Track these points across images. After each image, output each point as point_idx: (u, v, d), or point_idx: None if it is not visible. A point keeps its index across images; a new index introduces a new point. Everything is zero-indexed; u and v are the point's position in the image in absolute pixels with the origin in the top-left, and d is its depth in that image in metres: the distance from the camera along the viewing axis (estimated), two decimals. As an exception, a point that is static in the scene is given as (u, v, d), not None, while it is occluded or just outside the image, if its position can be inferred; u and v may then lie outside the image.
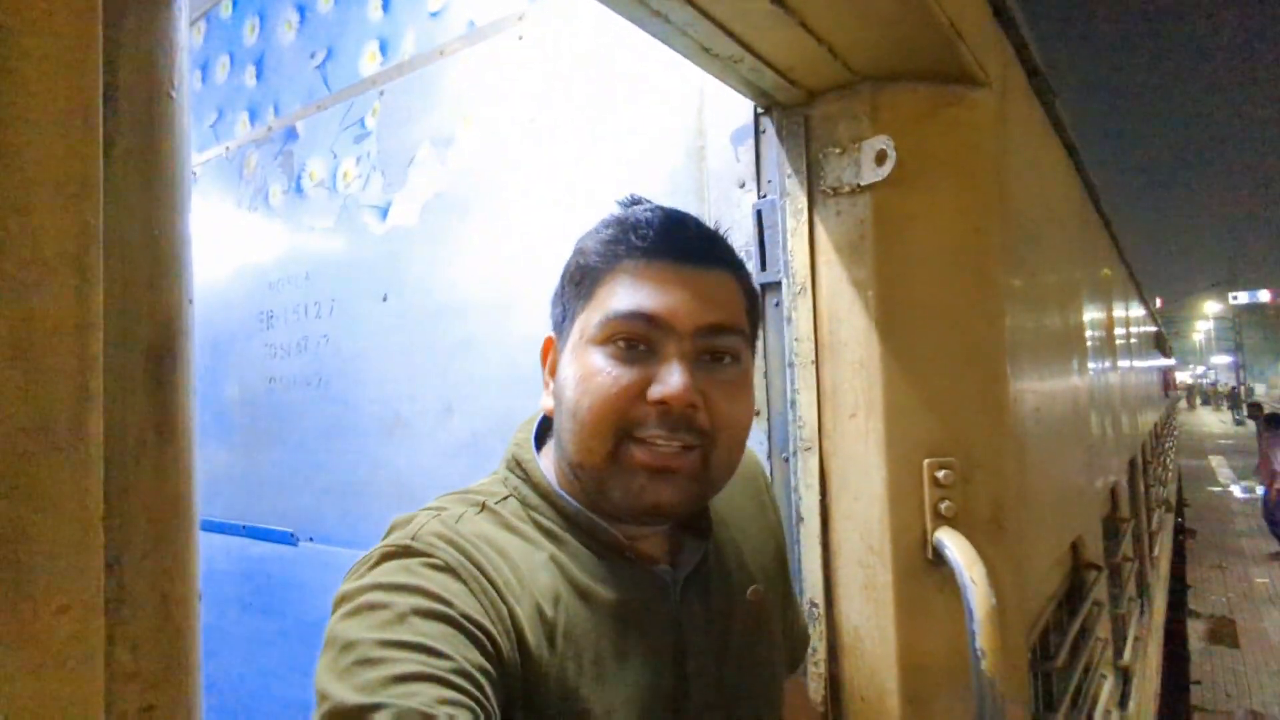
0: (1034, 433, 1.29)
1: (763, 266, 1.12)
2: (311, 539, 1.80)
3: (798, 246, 1.07)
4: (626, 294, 0.66)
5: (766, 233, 1.12)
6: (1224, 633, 7.42)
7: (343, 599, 0.58)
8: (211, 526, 2.08)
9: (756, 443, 1.12)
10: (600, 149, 1.33)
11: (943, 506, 0.98)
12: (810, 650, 1.03)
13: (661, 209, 0.71)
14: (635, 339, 0.65)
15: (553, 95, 1.40)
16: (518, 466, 0.73)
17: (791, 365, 1.07)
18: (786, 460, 1.09)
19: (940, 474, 0.98)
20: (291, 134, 1.96)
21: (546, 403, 0.73)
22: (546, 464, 0.73)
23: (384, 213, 1.69)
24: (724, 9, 0.83)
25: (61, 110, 0.30)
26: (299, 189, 1.93)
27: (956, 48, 0.99)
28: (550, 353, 0.75)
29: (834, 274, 1.04)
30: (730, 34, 0.88)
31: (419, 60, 1.65)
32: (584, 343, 0.67)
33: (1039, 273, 1.46)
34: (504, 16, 1.49)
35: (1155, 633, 3.64)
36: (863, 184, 1.01)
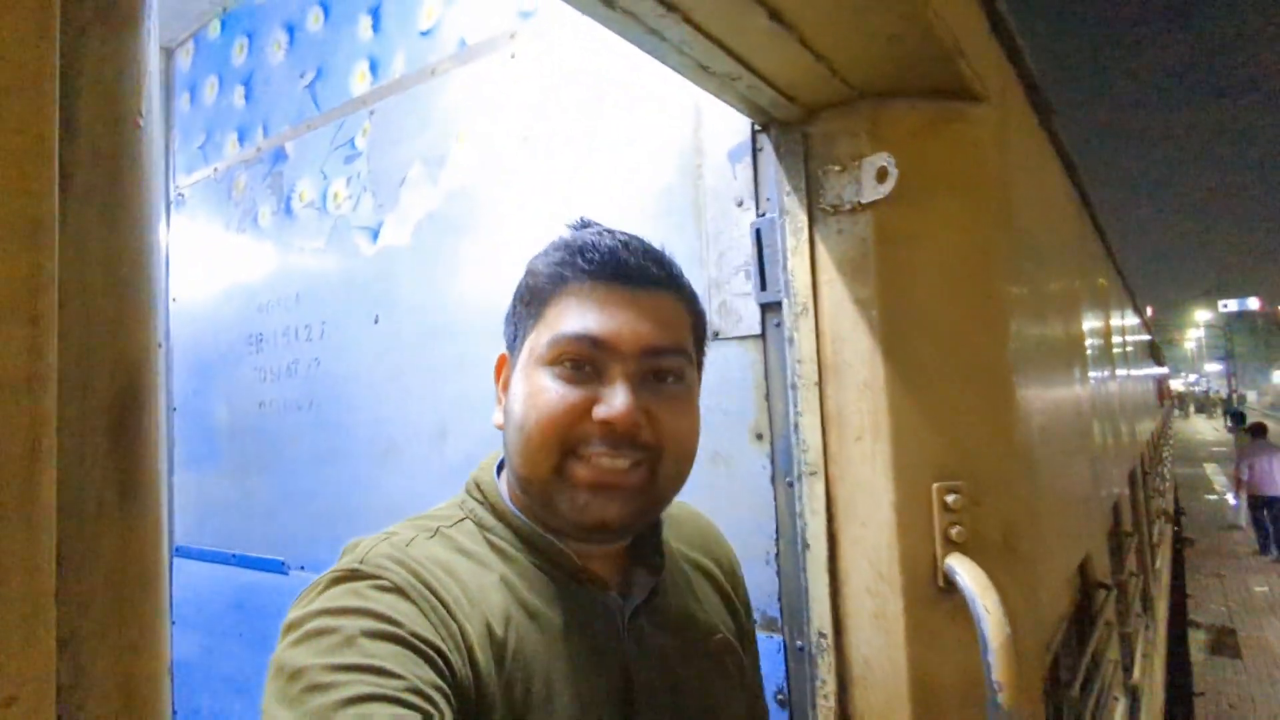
0: (1041, 451, 1.26)
1: (763, 286, 1.10)
2: (303, 567, 1.76)
3: (798, 265, 1.05)
4: (573, 316, 0.68)
5: (766, 251, 1.09)
6: (1225, 643, 7.38)
7: (289, 627, 0.58)
8: (200, 555, 2.03)
9: (759, 467, 1.10)
10: (595, 167, 1.31)
11: (953, 532, 0.95)
12: (819, 682, 1.00)
13: (610, 232, 0.73)
14: (581, 360, 0.67)
15: (546, 114, 1.38)
16: (476, 488, 0.75)
17: (794, 387, 1.05)
18: (791, 485, 1.06)
19: (950, 498, 0.96)
20: (281, 155, 1.94)
21: (497, 418, 0.75)
22: (509, 484, 0.74)
23: (375, 233, 1.67)
24: (722, 26, 0.81)
25: (13, 145, 0.27)
26: (288, 210, 1.90)
27: (957, 64, 0.97)
28: (503, 370, 0.76)
29: (836, 293, 1.02)
30: (728, 51, 0.86)
31: (410, 79, 1.63)
32: (533, 362, 0.69)
33: (1041, 287, 1.44)
34: (496, 35, 1.47)
35: (1159, 647, 3.61)
36: (864, 202, 0.99)
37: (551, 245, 0.74)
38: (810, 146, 1.05)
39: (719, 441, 1.14)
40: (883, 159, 0.97)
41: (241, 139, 2.08)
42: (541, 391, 0.67)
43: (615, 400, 0.65)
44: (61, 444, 0.29)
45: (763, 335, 1.11)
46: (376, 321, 1.65)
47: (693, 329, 0.75)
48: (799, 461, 1.04)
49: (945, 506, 0.95)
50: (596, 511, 0.66)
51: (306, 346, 1.82)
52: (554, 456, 0.66)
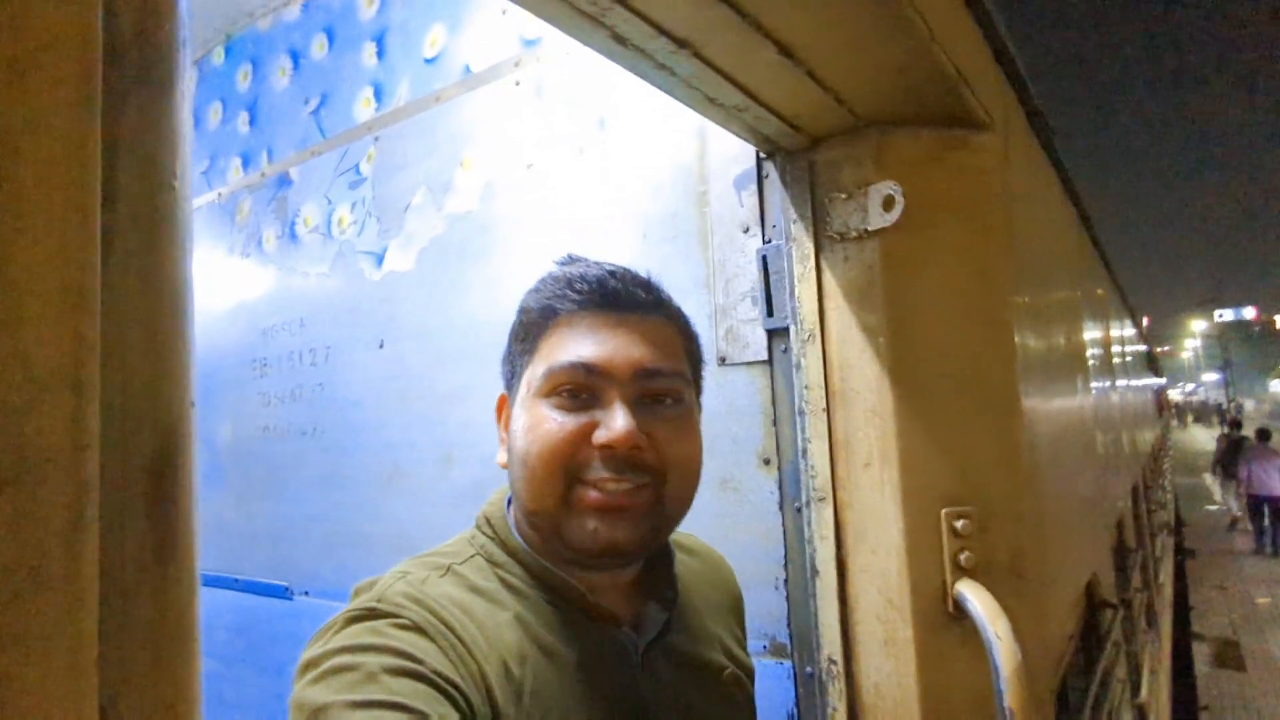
0: (1048, 473, 1.26)
1: (769, 312, 1.10)
2: (307, 593, 1.75)
3: (805, 292, 1.05)
4: (566, 346, 0.69)
5: (772, 278, 1.10)
6: (1229, 655, 7.35)
7: (307, 665, 0.58)
8: (204, 580, 2.03)
9: (767, 492, 1.10)
10: (600, 194, 1.31)
11: (962, 557, 0.95)
12: (830, 709, 1.00)
13: (598, 264, 0.74)
14: (577, 388, 0.67)
15: (550, 140, 1.39)
16: (487, 524, 0.75)
17: (802, 413, 1.05)
18: (799, 510, 1.06)
19: (959, 524, 0.96)
20: (285, 180, 1.95)
21: (501, 458, 0.75)
22: (516, 522, 0.74)
23: (380, 259, 1.68)
24: (731, 61, 0.82)
25: (58, 215, 0.28)
26: (293, 235, 1.91)
27: (962, 92, 0.98)
28: (503, 410, 0.77)
29: (843, 320, 1.02)
30: (736, 84, 0.87)
31: (414, 106, 1.64)
32: (530, 395, 0.69)
33: (1045, 309, 1.45)
34: (501, 62, 1.49)
35: (1164, 661, 3.60)
36: (870, 229, 1.00)
37: (540, 280, 0.75)
38: (816, 174, 1.06)
39: (727, 467, 1.14)
40: (889, 187, 0.98)
41: (245, 164, 2.09)
42: (541, 422, 0.67)
43: (614, 423, 0.65)
44: (102, 511, 0.29)
45: (770, 361, 1.11)
46: (381, 346, 1.66)
47: (687, 352, 0.75)
48: (807, 487, 1.04)
49: (954, 532, 0.95)
50: (606, 535, 0.65)
51: (311, 371, 1.82)
52: (559, 486, 0.66)
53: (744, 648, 0.87)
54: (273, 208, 1.97)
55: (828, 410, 1.02)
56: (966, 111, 1.02)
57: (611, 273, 0.72)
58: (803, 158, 1.07)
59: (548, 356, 0.69)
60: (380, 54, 1.73)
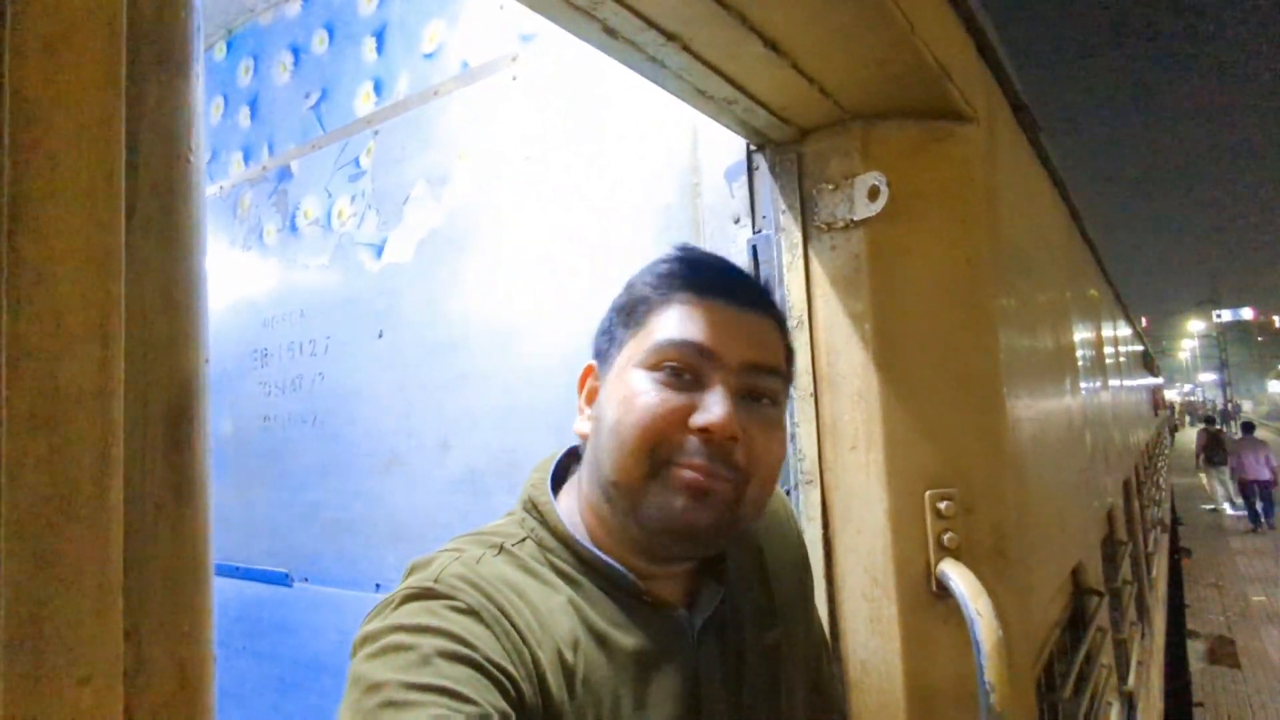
0: (1032, 459, 1.29)
1: (759, 301, 1.13)
2: (307, 579, 1.78)
3: (794, 281, 1.08)
4: (679, 324, 0.68)
5: (763, 267, 1.13)
6: (1224, 653, 7.39)
7: (365, 639, 0.58)
8: (205, 568, 2.05)
9: (757, 476, 1.12)
10: (596, 186, 1.34)
11: (945, 538, 0.98)
12: (816, 686, 1.03)
13: (717, 256, 0.76)
14: (683, 367, 0.67)
15: (547, 133, 1.42)
16: (534, 508, 0.73)
17: (791, 398, 1.08)
18: (788, 493, 1.09)
19: (942, 505, 0.99)
20: (286, 173, 1.98)
21: (582, 427, 0.74)
22: (567, 505, 0.73)
23: (379, 250, 1.70)
24: (718, 53, 0.85)
25: (86, 183, 0.30)
26: (293, 228, 1.93)
27: (944, 86, 1.01)
28: (588, 379, 0.76)
29: (830, 307, 1.05)
30: (724, 77, 0.89)
31: (413, 100, 1.67)
32: (631, 366, 0.69)
33: (1031, 300, 1.48)
34: (498, 57, 1.51)
35: (1156, 655, 3.63)
36: (856, 219, 1.03)
37: (657, 262, 0.75)
38: (804, 166, 1.08)
39: (718, 452, 1.17)
40: (874, 178, 1.01)
41: (247, 158, 2.12)
42: (641, 394, 0.66)
43: (716, 408, 0.64)
44: (126, 452, 0.32)
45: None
46: (380, 336, 1.68)
47: (786, 359, 0.75)
48: (796, 470, 1.07)
49: (938, 513, 0.98)
50: (690, 516, 0.64)
51: (311, 361, 1.85)
52: (646, 463, 0.65)
53: (796, 572, 0.85)
54: (273, 201, 2.00)
55: (815, 395, 1.05)
56: (949, 104, 1.04)
57: (731, 267, 0.74)
58: (791, 150, 1.10)
59: (656, 330, 0.69)
60: (380, 49, 1.76)
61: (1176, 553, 9.46)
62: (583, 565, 0.69)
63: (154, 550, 0.33)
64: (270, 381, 1.95)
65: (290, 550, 1.84)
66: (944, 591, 0.97)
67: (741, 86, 0.92)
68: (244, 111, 2.14)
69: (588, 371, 0.77)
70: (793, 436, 1.07)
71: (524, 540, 0.70)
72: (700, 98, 0.96)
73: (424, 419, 1.57)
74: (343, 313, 1.78)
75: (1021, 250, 1.43)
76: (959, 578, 0.94)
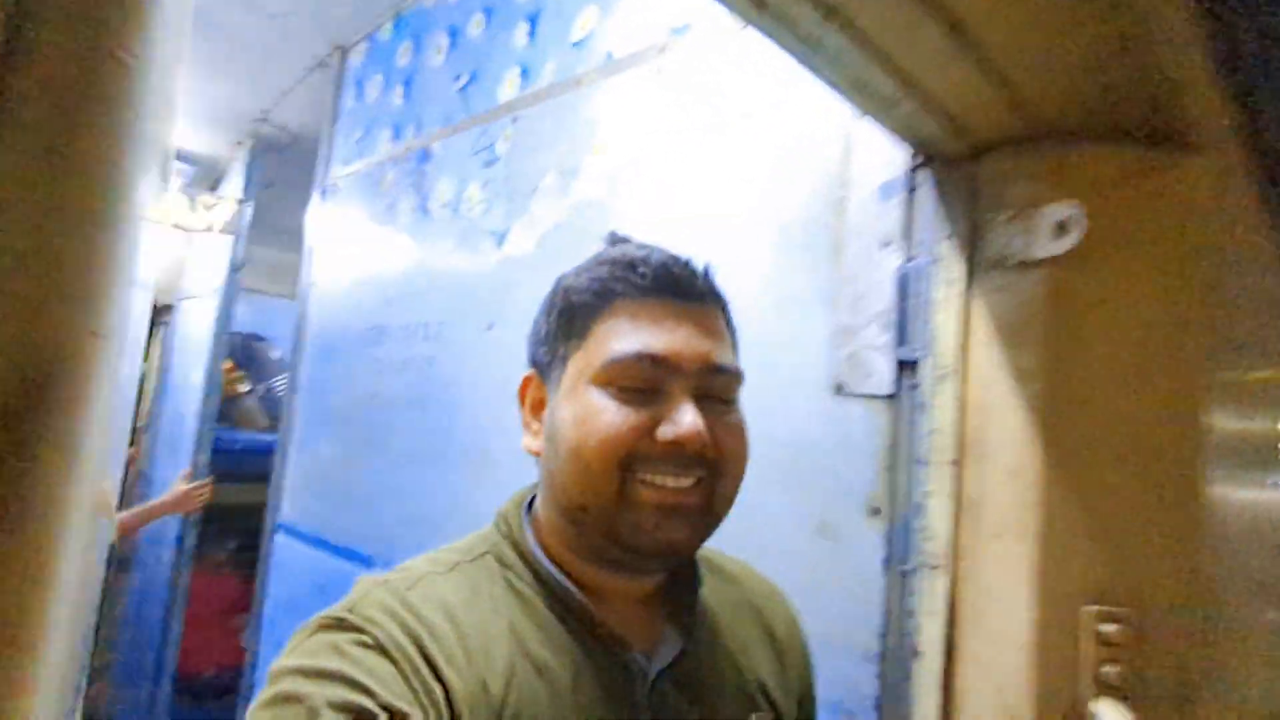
0: (1241, 584, 1.04)
1: (901, 340, 0.96)
2: (386, 564, 1.75)
3: (946, 321, 0.90)
4: (628, 334, 0.64)
5: (910, 302, 0.96)
6: None
7: (273, 676, 0.55)
8: (298, 534, 2.08)
9: (871, 547, 0.95)
10: (732, 191, 1.21)
11: (1107, 671, 0.77)
12: (913, 817, 0.84)
13: (652, 246, 0.70)
14: (640, 380, 0.63)
15: (688, 132, 1.30)
16: (504, 522, 0.71)
17: (924, 462, 0.90)
18: (904, 575, 0.91)
19: (1107, 627, 0.77)
20: (427, 154, 1.97)
21: (532, 444, 0.71)
22: (534, 524, 0.70)
23: (501, 239, 1.65)
24: (886, 36, 0.69)
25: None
26: (425, 209, 1.93)
27: (1173, 104, 0.80)
28: (530, 391, 0.73)
29: (989, 359, 0.86)
30: (891, 67, 0.74)
31: (555, 89, 1.60)
32: (583, 383, 0.64)
33: (1254, 384, 1.20)
34: (644, 49, 1.42)
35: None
36: (1036, 257, 0.84)
37: (592, 260, 0.70)
38: (977, 188, 0.90)
39: (828, 510, 1.00)
40: (1066, 209, 0.82)
41: (395, 136, 2.14)
42: (599, 412, 0.62)
43: (684, 419, 0.61)
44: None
45: (895, 396, 0.96)
46: (490, 328, 1.62)
47: (734, 346, 0.71)
48: (919, 550, 0.89)
49: (1100, 637, 0.77)
50: (665, 533, 0.62)
51: (423, 345, 1.82)
52: (616, 480, 0.62)
53: (792, 694, 0.77)
54: (412, 181, 2.00)
55: (957, 463, 0.87)
56: (1173, 128, 0.83)
57: (674, 258, 0.68)
58: (962, 168, 0.92)
59: (606, 343, 0.64)
60: (531, 35, 1.71)
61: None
62: (539, 585, 0.66)
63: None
64: (383, 359, 1.95)
65: (375, 532, 1.82)
66: (1096, 738, 0.76)
67: (912, 81, 0.76)
68: (398, 91, 2.16)
69: (527, 382, 0.73)
70: (921, 509, 0.89)
71: (483, 556, 0.68)
72: (859, 93, 0.81)
73: (519, 421, 1.49)
74: (458, 300, 1.74)
75: (1248, 321, 1.16)
76: (1119, 726, 0.73)
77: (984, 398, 0.86)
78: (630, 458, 0.61)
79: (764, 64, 1.20)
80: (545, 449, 0.68)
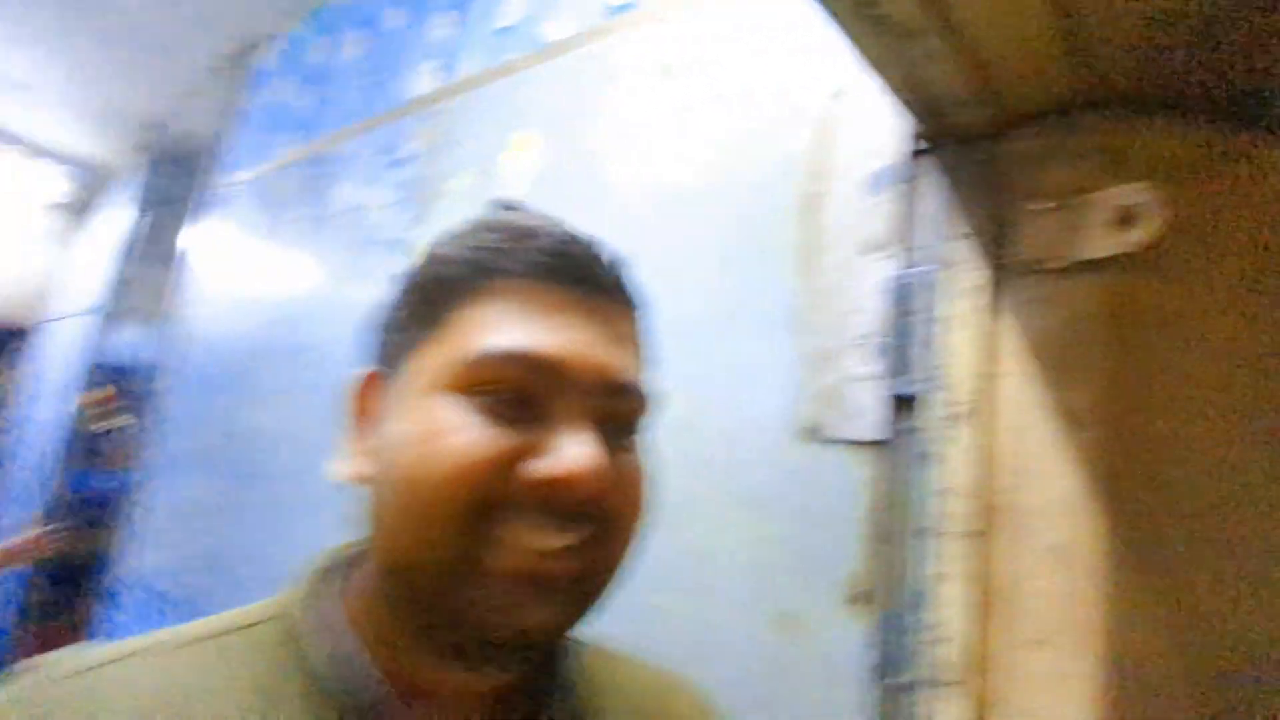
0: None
1: (898, 370, 0.73)
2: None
3: (962, 345, 0.68)
4: (506, 325, 0.45)
5: (910, 320, 0.73)
6: None
7: None
8: (145, 590, 1.71)
9: (853, 648, 0.69)
10: (679, 188, 0.99)
11: None
12: None
13: (554, 218, 0.50)
14: (515, 389, 0.44)
15: (626, 122, 1.09)
16: (320, 579, 0.51)
17: (932, 533, 0.66)
18: (898, 692, 0.65)
19: (1204, 783, 0.54)
20: (328, 158, 1.71)
21: (354, 467, 0.48)
22: (354, 583, 0.50)
23: (405, 250, 1.39)
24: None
25: None
26: (322, 218, 1.66)
27: (1265, 73, 0.62)
28: (366, 395, 0.50)
29: (1024, 395, 0.64)
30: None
31: (476, 80, 1.38)
32: (431, 388, 0.45)
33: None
34: (580, 32, 1.21)
35: None
36: (1088, 258, 0.62)
37: (468, 228, 0.50)
38: (1004, 170, 0.69)
39: (791, 597, 0.75)
40: (1132, 195, 0.61)
41: (298, 139, 1.88)
42: (448, 431, 0.43)
43: (575, 450, 0.43)
44: None
45: (887, 443, 0.73)
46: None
47: (642, 363, 0.53)
48: (924, 658, 0.64)
49: (1197, 799, 0.53)
50: (528, 615, 0.43)
51: (304, 373, 1.53)
52: (464, 529, 0.42)
53: None
54: (310, 186, 1.74)
55: (981, 535, 0.63)
56: (1268, 104, 0.64)
57: (577, 236, 0.49)
58: (982, 147, 0.71)
59: (469, 335, 0.45)
60: (461, 24, 1.49)
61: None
62: (331, 672, 0.45)
63: None
64: (260, 389, 1.64)
65: (235, 595, 1.48)
66: None
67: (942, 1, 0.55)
68: (307, 90, 1.92)
69: (366, 382, 0.50)
70: (924, 597, 0.64)
71: (265, 623, 0.48)
72: (868, 21, 0.59)
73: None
74: (350, 321, 1.46)
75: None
76: None
77: (1018, 447, 0.63)
78: (487, 501, 0.42)
79: (720, 44, 1.00)
80: (374, 476, 0.47)
